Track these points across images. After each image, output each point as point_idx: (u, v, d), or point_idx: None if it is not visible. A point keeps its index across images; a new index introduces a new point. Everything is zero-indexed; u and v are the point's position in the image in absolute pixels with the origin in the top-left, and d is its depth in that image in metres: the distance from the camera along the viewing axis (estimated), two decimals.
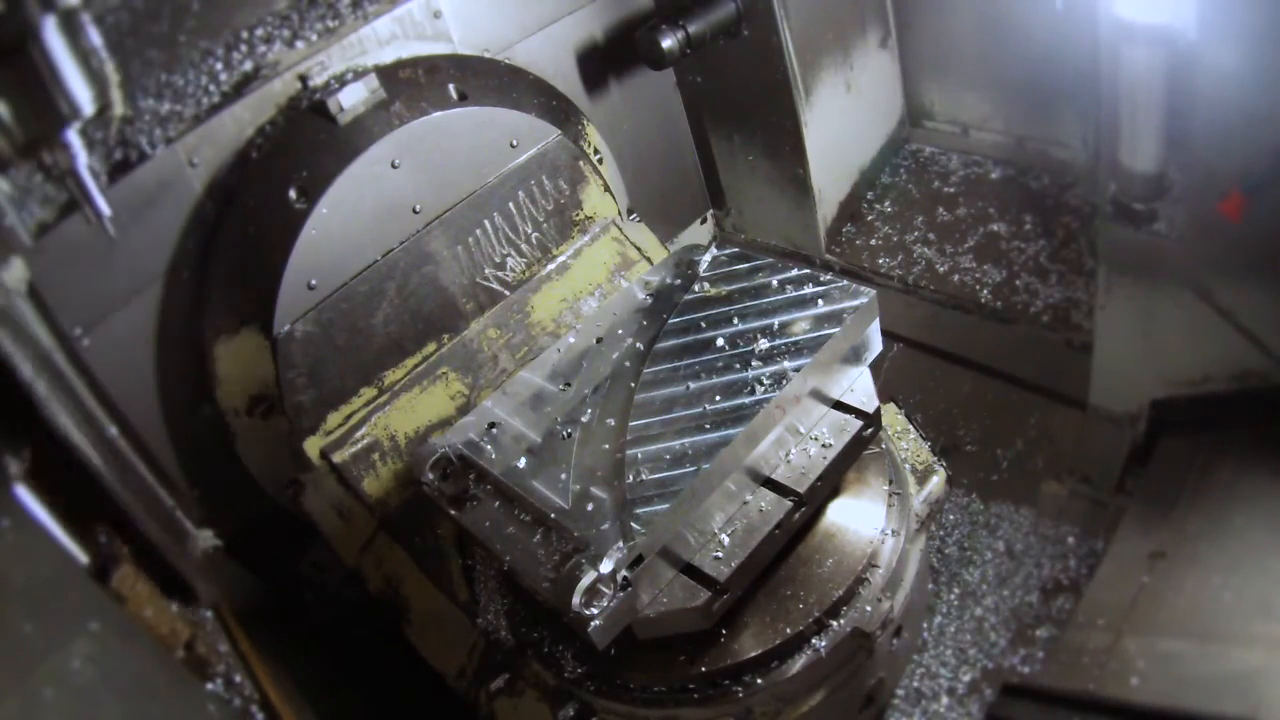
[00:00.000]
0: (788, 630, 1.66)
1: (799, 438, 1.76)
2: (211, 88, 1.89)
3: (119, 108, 1.23)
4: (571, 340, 1.97)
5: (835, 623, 1.71)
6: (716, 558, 1.60)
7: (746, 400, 1.65)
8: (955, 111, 3.24)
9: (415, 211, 2.09)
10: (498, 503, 1.70)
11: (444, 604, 2.03)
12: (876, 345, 1.88)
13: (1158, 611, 1.81)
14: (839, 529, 1.81)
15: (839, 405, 1.82)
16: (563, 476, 1.64)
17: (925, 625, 2.38)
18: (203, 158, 1.90)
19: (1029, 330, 2.72)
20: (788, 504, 1.66)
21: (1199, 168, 1.88)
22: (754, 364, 1.72)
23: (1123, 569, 1.95)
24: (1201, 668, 1.65)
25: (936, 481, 2.04)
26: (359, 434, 2.06)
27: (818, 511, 1.82)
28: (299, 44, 2.01)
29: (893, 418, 2.15)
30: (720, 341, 1.80)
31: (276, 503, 2.15)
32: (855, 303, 1.78)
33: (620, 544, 1.48)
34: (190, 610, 1.78)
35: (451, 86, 2.15)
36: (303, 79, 1.99)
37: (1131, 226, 2.05)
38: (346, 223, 1.97)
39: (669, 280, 2.05)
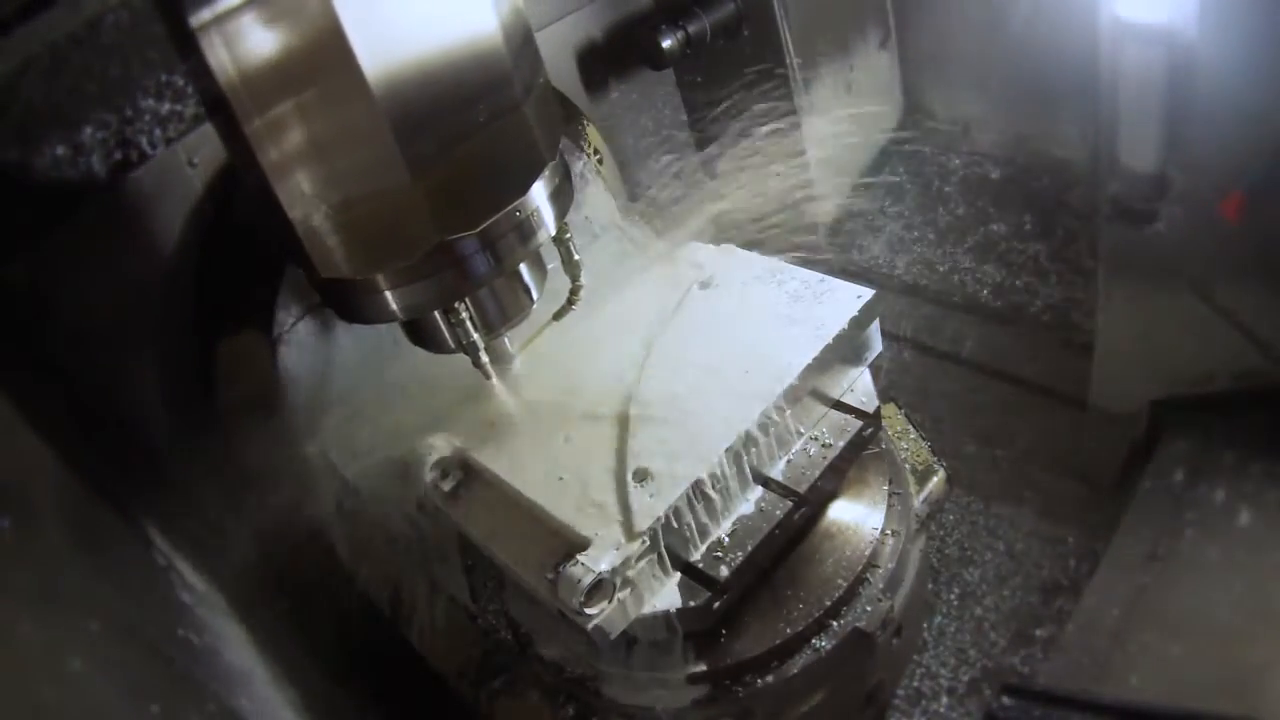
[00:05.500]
0: (788, 630, 1.66)
1: (799, 438, 1.76)
2: None
3: None
4: (572, 340, 1.97)
5: (835, 623, 1.71)
6: (716, 557, 1.60)
7: (746, 400, 1.65)
8: (955, 111, 3.24)
9: None
10: (497, 502, 1.71)
11: (444, 604, 2.03)
12: (876, 345, 1.88)
13: (1158, 611, 1.81)
14: (839, 529, 1.81)
15: (839, 405, 1.82)
16: (562, 476, 1.64)
17: (925, 625, 2.38)
18: (203, 158, 1.90)
19: (1029, 330, 2.72)
20: (788, 504, 1.66)
21: (1199, 168, 1.88)
22: (753, 363, 1.72)
23: (1123, 569, 1.96)
24: (1201, 668, 1.65)
25: (936, 481, 2.04)
26: (359, 434, 2.06)
27: (818, 511, 1.82)
28: None
29: (893, 418, 2.16)
30: (720, 341, 1.80)
31: (276, 503, 2.15)
32: (855, 303, 1.78)
33: (620, 544, 1.48)
34: None
35: None
36: None
37: (1131, 226, 2.05)
38: None
39: (669, 280, 2.05)
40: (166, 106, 1.84)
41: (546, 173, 1.47)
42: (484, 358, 1.63)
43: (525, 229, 1.46)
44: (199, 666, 1.40)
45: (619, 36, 2.74)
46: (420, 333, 1.67)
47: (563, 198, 1.54)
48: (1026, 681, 1.87)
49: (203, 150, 1.89)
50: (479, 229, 1.38)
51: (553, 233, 1.53)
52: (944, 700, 2.27)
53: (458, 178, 1.33)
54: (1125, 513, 2.11)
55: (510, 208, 1.41)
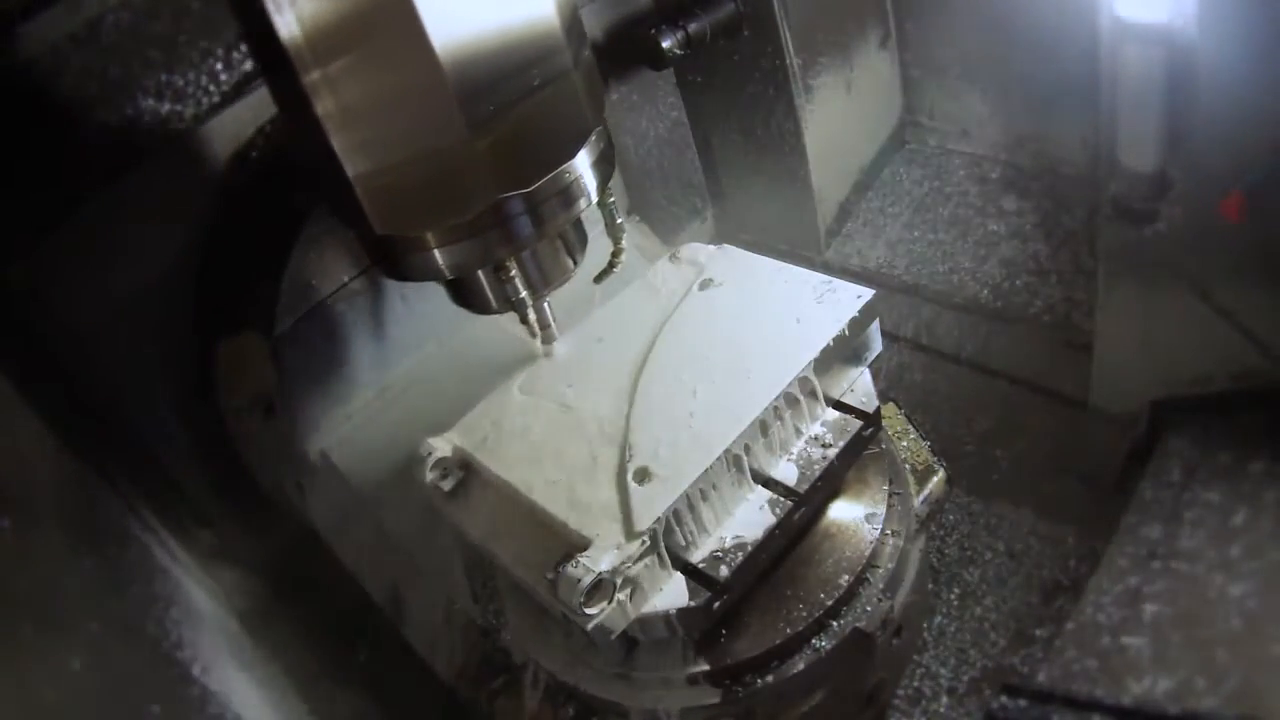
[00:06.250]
0: (788, 630, 1.66)
1: (799, 438, 1.76)
2: (211, 88, 1.89)
3: None
4: (573, 340, 1.97)
5: (835, 623, 1.71)
6: (716, 557, 1.60)
7: (746, 400, 1.65)
8: (955, 111, 3.24)
9: None
10: (497, 502, 1.71)
11: (444, 604, 2.03)
12: (876, 345, 1.88)
13: (1157, 611, 1.81)
14: (839, 529, 1.81)
15: (839, 405, 1.82)
16: (562, 475, 1.64)
17: (925, 625, 2.38)
18: (203, 157, 1.90)
19: (1029, 330, 2.72)
20: (788, 504, 1.66)
21: (1199, 168, 1.88)
22: (754, 364, 1.72)
23: (1122, 569, 1.95)
24: (1202, 668, 1.65)
25: (936, 481, 2.04)
26: (359, 434, 2.06)
27: (818, 511, 1.82)
28: None
29: (893, 418, 2.16)
30: (720, 341, 1.80)
31: (277, 503, 2.15)
32: (855, 303, 1.78)
33: (621, 543, 1.48)
34: None
35: None
36: None
37: (1131, 226, 2.05)
38: None
39: (669, 280, 2.05)
40: (166, 106, 1.84)
41: (592, 138, 1.53)
42: (531, 315, 1.68)
43: (570, 193, 1.52)
44: (200, 667, 1.40)
45: (619, 36, 2.74)
46: (464, 294, 1.71)
47: (605, 165, 1.60)
48: (1026, 681, 1.87)
49: (203, 150, 1.89)
50: (532, 187, 1.44)
51: (596, 198, 1.58)
52: (944, 700, 2.27)
53: (513, 139, 1.38)
54: (1125, 513, 2.11)
55: (558, 171, 1.47)
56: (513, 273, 1.56)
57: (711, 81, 3.01)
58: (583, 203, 1.55)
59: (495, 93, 1.32)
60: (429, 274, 1.54)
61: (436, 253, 1.49)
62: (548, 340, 1.79)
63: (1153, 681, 1.68)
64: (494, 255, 1.52)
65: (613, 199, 1.72)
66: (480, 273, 1.61)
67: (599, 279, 1.90)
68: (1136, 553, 1.98)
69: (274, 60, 1.28)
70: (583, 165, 1.52)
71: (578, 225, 1.69)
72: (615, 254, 1.85)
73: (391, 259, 1.55)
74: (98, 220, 1.72)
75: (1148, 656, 1.73)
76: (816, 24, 2.82)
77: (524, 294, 1.60)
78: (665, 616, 1.56)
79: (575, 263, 1.71)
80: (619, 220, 1.78)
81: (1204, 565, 1.85)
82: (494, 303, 1.67)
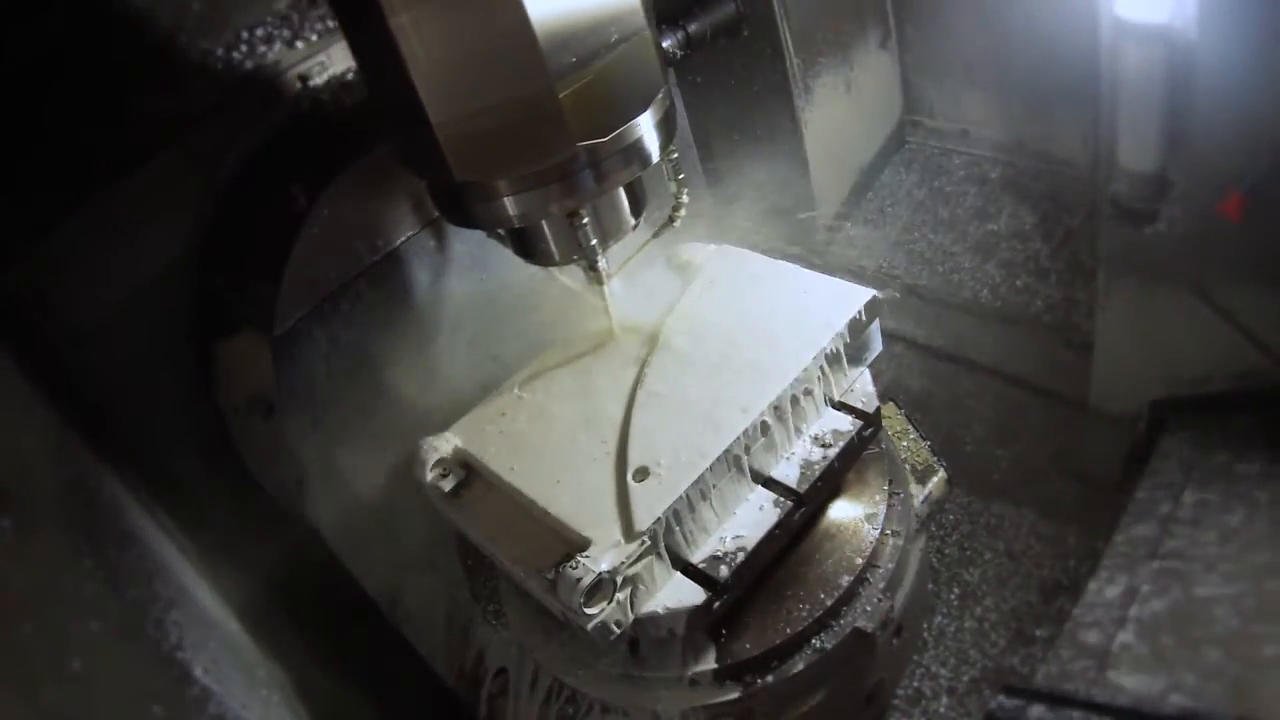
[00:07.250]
0: (788, 630, 1.66)
1: (799, 438, 1.76)
2: (211, 88, 1.88)
3: None
4: (573, 338, 1.97)
5: (835, 623, 1.71)
6: (716, 558, 1.60)
7: (746, 400, 1.65)
8: (955, 111, 3.24)
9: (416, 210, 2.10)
10: (497, 502, 1.71)
11: (444, 604, 2.03)
12: (876, 345, 1.88)
13: (1157, 611, 1.81)
14: (839, 529, 1.82)
15: (839, 405, 1.82)
16: (562, 475, 1.64)
17: (925, 625, 2.38)
18: (204, 156, 1.90)
19: (1029, 330, 2.72)
20: (788, 504, 1.66)
21: (1199, 168, 1.88)
22: (753, 363, 1.72)
23: (1122, 568, 1.96)
24: (1201, 668, 1.65)
25: (936, 481, 2.04)
26: (360, 433, 2.06)
27: (818, 511, 1.82)
28: (299, 44, 2.01)
29: (893, 418, 2.16)
30: (720, 341, 1.80)
31: (277, 503, 2.15)
32: (855, 303, 1.78)
33: (620, 543, 1.48)
34: None
35: None
36: (303, 79, 1.99)
37: (1131, 226, 2.05)
38: (348, 221, 1.97)
39: (669, 279, 2.05)
40: (167, 106, 1.84)
41: (659, 97, 1.59)
42: (601, 263, 1.71)
43: (637, 148, 1.58)
44: (201, 668, 1.40)
45: None
46: (527, 244, 1.75)
47: (669, 124, 1.67)
48: (1026, 681, 1.87)
49: (203, 149, 1.89)
50: (608, 138, 1.50)
51: (658, 156, 1.64)
52: (944, 700, 2.27)
53: (591, 91, 1.44)
54: (1124, 513, 2.11)
55: (628, 125, 1.53)
56: (585, 220, 1.61)
57: (711, 82, 3.01)
58: (650, 154, 1.61)
59: (577, 45, 1.39)
60: (498, 222, 1.59)
61: (507, 200, 1.53)
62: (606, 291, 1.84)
63: (1149, 681, 1.68)
64: (563, 204, 1.57)
65: (675, 155, 1.78)
66: (544, 223, 1.66)
67: (658, 233, 1.95)
68: (1133, 553, 1.98)
69: (359, 3, 1.32)
70: (650, 122, 1.58)
71: (640, 182, 1.75)
72: (676, 208, 1.90)
73: (462, 207, 1.59)
74: (97, 220, 1.72)
75: (1144, 656, 1.73)
76: (816, 24, 2.82)
77: (594, 242, 1.64)
78: (665, 616, 1.56)
79: (637, 218, 1.76)
80: (681, 176, 1.85)
81: (1200, 565, 1.85)
82: (556, 253, 1.71)
